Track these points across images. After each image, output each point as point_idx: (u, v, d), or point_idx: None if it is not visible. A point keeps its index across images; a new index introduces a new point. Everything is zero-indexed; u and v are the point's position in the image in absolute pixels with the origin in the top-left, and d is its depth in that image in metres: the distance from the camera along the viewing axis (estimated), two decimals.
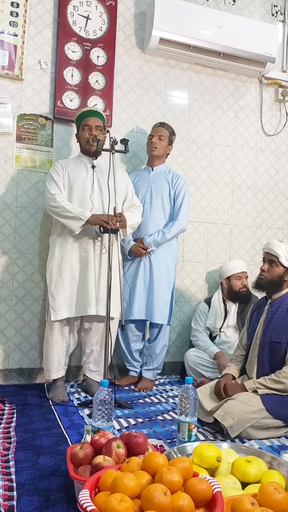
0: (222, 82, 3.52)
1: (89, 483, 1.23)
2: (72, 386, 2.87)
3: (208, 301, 3.24)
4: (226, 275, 3.19)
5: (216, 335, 3.12)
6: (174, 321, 3.29)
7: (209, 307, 3.19)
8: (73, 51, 3.02)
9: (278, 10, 3.70)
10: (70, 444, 1.90)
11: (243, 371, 2.47)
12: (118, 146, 2.55)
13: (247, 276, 3.21)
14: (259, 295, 2.73)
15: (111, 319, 2.54)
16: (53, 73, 3.00)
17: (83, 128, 2.65)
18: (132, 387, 2.93)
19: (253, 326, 2.44)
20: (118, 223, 2.51)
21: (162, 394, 2.82)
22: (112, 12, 3.11)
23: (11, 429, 2.07)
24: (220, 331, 3.10)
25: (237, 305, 3.17)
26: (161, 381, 3.15)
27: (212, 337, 3.14)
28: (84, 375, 2.78)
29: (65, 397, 2.56)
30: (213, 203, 3.51)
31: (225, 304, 3.17)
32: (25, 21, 2.89)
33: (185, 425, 1.76)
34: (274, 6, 3.68)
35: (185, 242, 3.40)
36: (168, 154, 3.06)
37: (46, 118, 2.99)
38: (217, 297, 3.21)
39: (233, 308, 3.16)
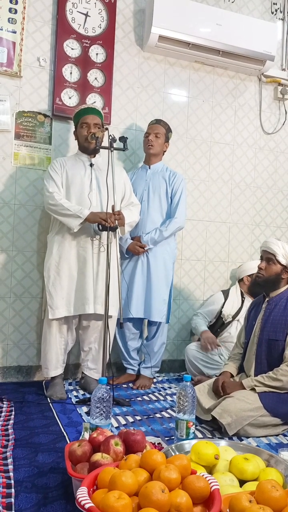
0: (221, 80, 3.52)
1: (87, 481, 1.23)
2: (70, 384, 2.88)
3: (225, 293, 3.30)
4: (247, 273, 3.29)
5: (229, 323, 3.14)
6: (172, 319, 3.30)
7: (225, 299, 3.24)
8: (72, 48, 3.01)
9: (278, 8, 3.69)
10: (68, 442, 1.91)
11: (241, 369, 2.48)
12: (117, 144, 2.55)
13: None
14: None
15: (110, 317, 2.54)
16: (52, 70, 2.99)
17: (81, 126, 2.64)
18: (130, 385, 2.94)
19: (251, 324, 2.45)
20: (116, 221, 2.51)
21: (160, 392, 2.82)
22: (111, 9, 3.10)
23: (9, 426, 2.08)
24: (236, 320, 3.14)
25: None
26: (159, 379, 3.15)
27: (223, 325, 3.17)
28: (82, 373, 2.78)
29: (63, 395, 2.56)
30: (211, 201, 3.51)
31: (242, 297, 3.24)
32: (23, 18, 2.88)
33: (183, 422, 1.77)
34: (274, 4, 3.68)
35: (184, 240, 3.40)
36: (165, 151, 3.05)
37: (45, 116, 2.98)
38: (235, 290, 3.29)
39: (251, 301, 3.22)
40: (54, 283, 2.57)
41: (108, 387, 1.70)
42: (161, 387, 2.94)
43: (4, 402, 2.42)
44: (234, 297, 3.25)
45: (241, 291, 3.28)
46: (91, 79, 3.06)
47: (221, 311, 3.20)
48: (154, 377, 3.06)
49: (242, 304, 3.21)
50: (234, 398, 2.14)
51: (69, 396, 2.61)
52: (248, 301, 3.23)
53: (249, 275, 3.27)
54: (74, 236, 2.58)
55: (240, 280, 3.32)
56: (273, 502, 1.16)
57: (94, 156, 2.70)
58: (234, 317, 3.17)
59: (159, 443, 1.83)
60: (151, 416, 2.35)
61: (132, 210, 2.70)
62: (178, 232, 3.06)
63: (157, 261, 2.91)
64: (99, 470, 1.29)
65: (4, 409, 2.32)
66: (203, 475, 1.26)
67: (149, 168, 3.01)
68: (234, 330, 3.14)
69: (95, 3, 3.06)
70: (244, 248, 3.62)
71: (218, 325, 3.21)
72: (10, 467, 1.64)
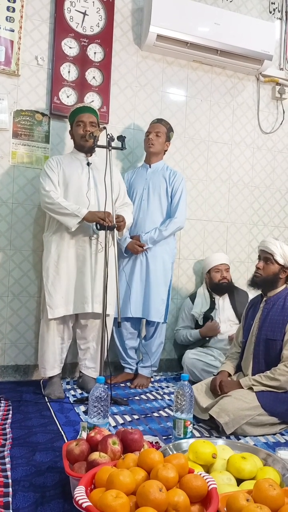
0: (219, 79, 3.52)
1: (84, 480, 1.23)
2: (68, 383, 2.87)
3: (192, 297, 3.24)
4: (206, 270, 3.24)
5: (203, 323, 3.08)
6: (170, 318, 3.30)
7: (193, 302, 3.19)
8: (70, 47, 3.01)
9: (276, 8, 3.69)
10: (66, 441, 1.90)
11: (238, 368, 2.48)
12: (115, 143, 2.55)
13: (228, 269, 3.22)
14: (248, 289, 2.73)
15: (107, 316, 2.54)
16: (50, 69, 2.99)
17: (77, 124, 2.64)
18: (128, 384, 2.94)
19: (249, 324, 2.45)
20: (117, 223, 2.49)
21: (158, 391, 2.82)
22: (109, 8, 3.09)
23: (6, 425, 2.07)
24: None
25: (226, 298, 3.17)
26: (157, 378, 3.15)
27: (198, 326, 3.11)
28: (80, 371, 2.78)
29: (61, 394, 2.56)
30: (209, 200, 3.51)
31: (211, 296, 3.17)
32: (21, 16, 2.87)
33: (180, 421, 1.77)
34: (272, 3, 3.68)
35: (182, 239, 3.40)
36: (165, 150, 3.05)
37: (43, 114, 2.98)
38: (202, 289, 3.23)
39: (220, 302, 3.16)
40: (53, 282, 2.56)
41: (106, 386, 1.70)
42: (159, 386, 2.94)
43: (2, 401, 2.42)
44: (203, 297, 3.17)
45: (208, 290, 3.19)
46: (89, 78, 3.06)
47: (192, 316, 3.16)
48: (152, 376, 3.06)
49: (213, 304, 3.12)
50: (232, 397, 2.14)
51: (67, 395, 2.61)
52: (217, 299, 3.15)
53: (207, 272, 3.21)
54: (72, 235, 2.57)
55: (205, 278, 3.27)
56: (271, 501, 1.16)
57: (91, 155, 2.70)
58: (206, 315, 3.07)
59: (156, 442, 1.83)
60: (149, 415, 2.36)
61: (127, 212, 2.70)
62: (176, 232, 3.06)
63: (156, 260, 2.91)
64: (96, 469, 1.29)
65: (1, 408, 2.32)
66: (200, 474, 1.26)
67: (150, 167, 3.01)
68: (218, 334, 3.09)
69: (93, 1, 3.05)
70: (242, 247, 3.62)
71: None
72: (8, 466, 1.64)
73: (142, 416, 2.33)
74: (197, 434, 2.10)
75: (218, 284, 3.15)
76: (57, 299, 2.54)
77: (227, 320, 3.10)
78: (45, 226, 2.74)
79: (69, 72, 3.01)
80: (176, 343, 3.36)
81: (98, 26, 3.08)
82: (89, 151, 2.67)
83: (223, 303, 3.16)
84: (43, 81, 2.98)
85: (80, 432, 1.76)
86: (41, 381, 2.84)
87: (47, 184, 2.56)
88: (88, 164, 2.66)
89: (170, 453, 1.53)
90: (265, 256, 2.38)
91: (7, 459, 1.69)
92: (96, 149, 2.64)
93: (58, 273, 2.56)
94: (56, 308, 2.54)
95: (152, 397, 2.68)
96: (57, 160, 2.65)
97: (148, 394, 2.74)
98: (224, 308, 3.13)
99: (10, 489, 1.46)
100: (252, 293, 2.86)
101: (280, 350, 2.26)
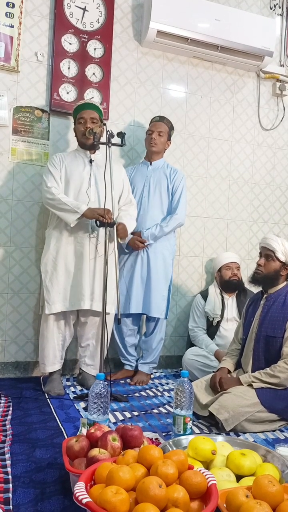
0: (219, 75, 3.51)
1: (84, 476, 1.24)
2: (68, 380, 2.88)
3: (204, 294, 3.23)
4: (217, 268, 3.24)
5: (217, 323, 3.08)
6: (170, 315, 3.29)
7: (205, 300, 3.18)
8: (70, 43, 3.00)
9: (276, 4, 3.68)
10: (66, 437, 1.91)
11: (238, 365, 2.48)
12: (115, 140, 2.54)
13: (239, 267, 3.21)
14: (255, 289, 2.73)
15: (107, 314, 2.54)
16: (50, 65, 2.98)
17: (78, 121, 2.64)
18: (128, 380, 2.94)
19: (249, 321, 2.45)
20: (118, 232, 2.51)
21: (158, 388, 2.83)
22: (109, 4, 3.08)
23: (6, 422, 2.08)
24: (219, 325, 3.09)
25: (234, 298, 3.18)
26: (157, 374, 3.15)
27: (212, 326, 3.11)
28: (80, 368, 2.79)
29: (61, 391, 2.56)
30: (209, 197, 3.50)
31: (222, 296, 3.17)
32: (21, 12, 2.86)
33: (180, 418, 1.77)
34: None
35: (182, 236, 3.40)
36: (166, 149, 3.05)
37: (43, 111, 2.97)
38: (214, 288, 3.22)
39: (229, 301, 3.17)
40: (51, 278, 2.57)
41: (106, 382, 1.70)
42: (159, 383, 2.94)
43: (2, 398, 2.42)
44: (215, 297, 3.16)
45: (219, 289, 3.19)
46: (89, 74, 3.05)
47: (206, 313, 3.14)
48: (152, 373, 3.07)
49: (223, 303, 3.13)
50: (231, 394, 2.15)
51: (67, 391, 2.62)
52: (226, 298, 3.17)
53: (218, 270, 3.21)
54: (71, 231, 2.57)
55: (215, 277, 3.26)
56: (270, 497, 1.16)
57: (94, 152, 2.69)
58: (219, 322, 3.08)
59: (156, 439, 1.84)
60: (149, 411, 2.36)
61: (131, 216, 2.70)
62: (176, 229, 3.05)
63: (157, 257, 2.91)
64: (96, 465, 1.29)
65: (1, 404, 2.32)
66: (200, 470, 1.26)
67: (150, 164, 3.01)
68: (223, 331, 3.07)
69: None
70: (242, 244, 3.62)
71: (209, 328, 3.13)
72: (8, 462, 1.64)
73: (142, 412, 2.34)
74: (196, 430, 2.11)
75: (228, 281, 3.14)
76: (54, 295, 2.55)
77: (233, 319, 3.10)
78: (47, 222, 2.74)
79: (69, 68, 3.00)
80: (180, 339, 3.36)
81: (98, 22, 3.07)
82: (91, 148, 2.66)
83: (232, 302, 3.16)
84: (43, 77, 2.97)
85: (80, 428, 1.76)
86: (41, 377, 2.84)
87: (49, 180, 2.56)
88: (91, 161, 2.65)
89: (170, 449, 1.53)
90: (266, 253, 2.38)
91: (7, 455, 1.70)
92: (100, 146, 2.63)
93: (56, 269, 2.56)
94: (53, 304, 2.55)
95: (152, 394, 2.69)
96: (60, 157, 2.65)
97: (148, 391, 2.75)
98: (232, 307, 3.14)
99: (10, 485, 1.47)
100: None
101: (280, 347, 2.26)
